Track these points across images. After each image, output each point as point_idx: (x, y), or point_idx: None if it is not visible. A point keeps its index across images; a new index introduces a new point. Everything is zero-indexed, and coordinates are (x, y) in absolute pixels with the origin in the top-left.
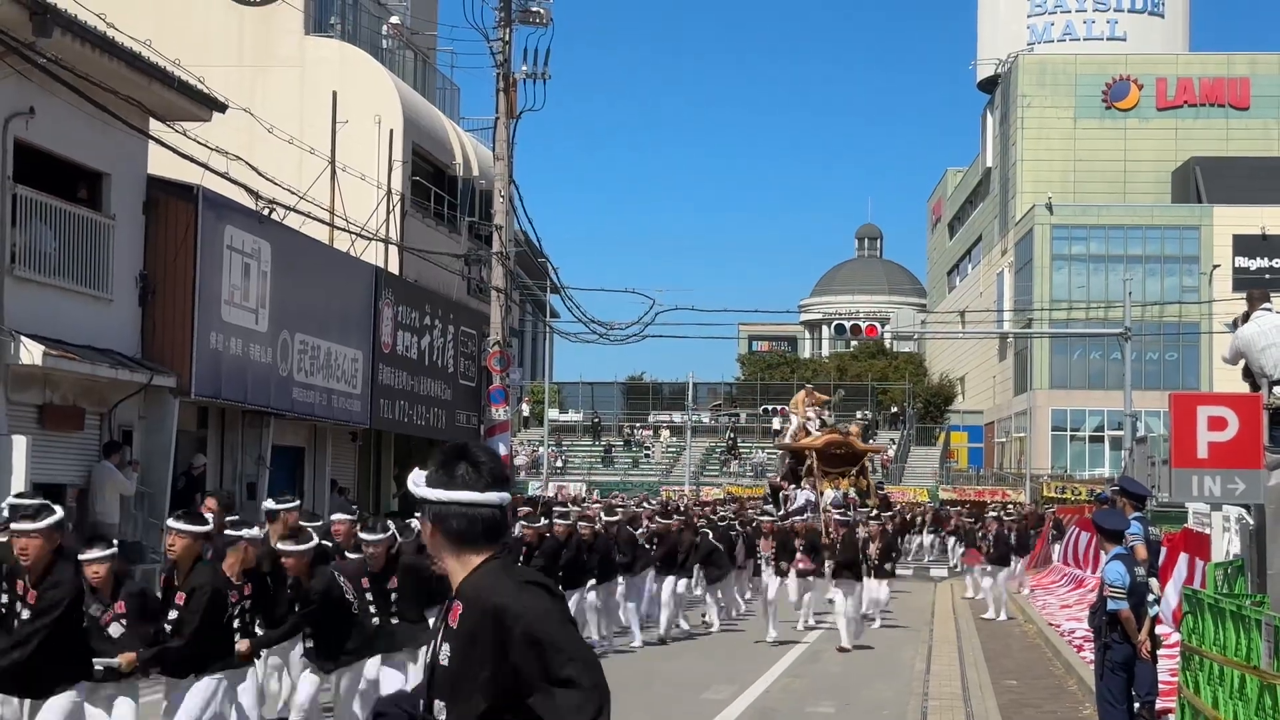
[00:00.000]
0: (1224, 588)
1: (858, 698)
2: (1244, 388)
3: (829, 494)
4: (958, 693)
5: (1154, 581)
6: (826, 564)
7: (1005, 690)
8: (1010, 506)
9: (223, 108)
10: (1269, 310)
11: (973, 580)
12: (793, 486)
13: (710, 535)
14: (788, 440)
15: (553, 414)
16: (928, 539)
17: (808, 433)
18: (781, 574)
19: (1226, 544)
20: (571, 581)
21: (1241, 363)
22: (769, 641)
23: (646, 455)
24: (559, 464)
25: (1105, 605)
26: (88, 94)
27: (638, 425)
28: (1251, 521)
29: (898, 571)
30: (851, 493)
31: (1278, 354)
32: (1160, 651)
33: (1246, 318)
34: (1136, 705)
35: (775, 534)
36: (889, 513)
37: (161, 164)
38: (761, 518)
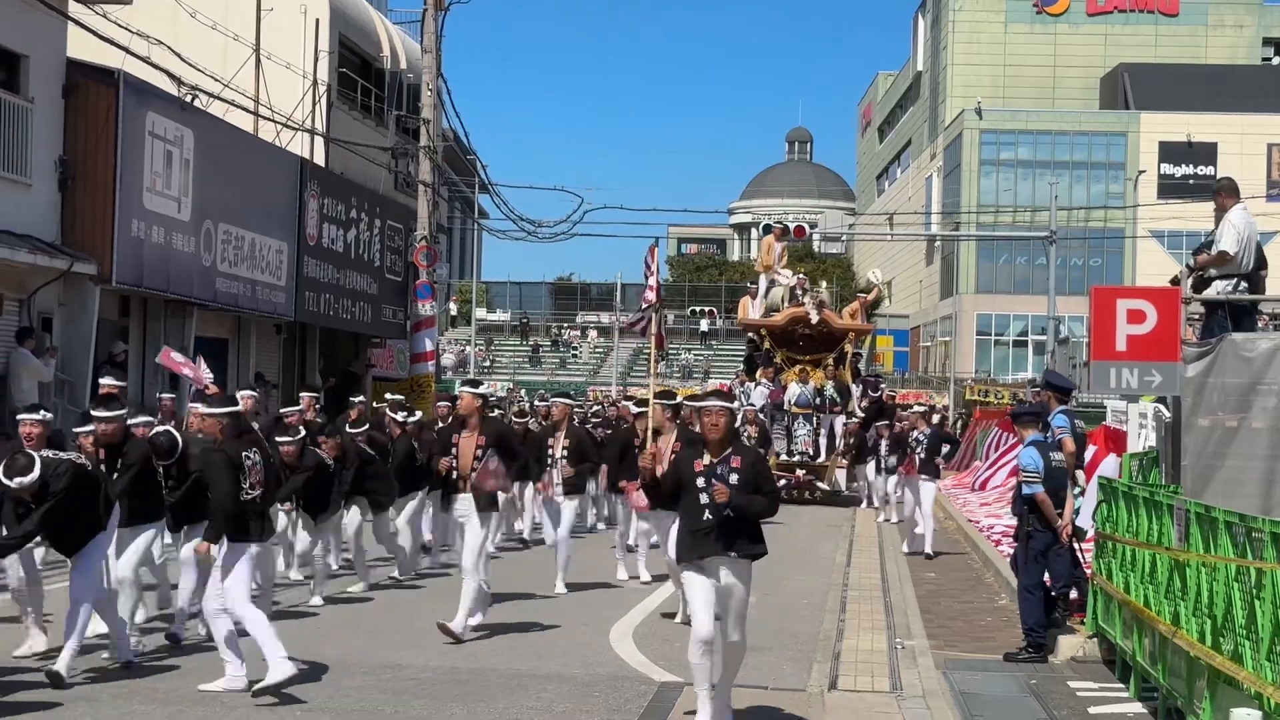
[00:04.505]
0: (1139, 478)
1: (778, 589)
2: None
3: (794, 389)
4: (877, 584)
5: (1080, 474)
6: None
7: (924, 582)
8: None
9: None
10: (1244, 207)
11: (908, 496)
12: (748, 382)
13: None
14: (753, 315)
15: (480, 313)
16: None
17: (795, 300)
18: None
19: (1142, 439)
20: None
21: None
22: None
23: (574, 355)
24: (486, 363)
25: (1022, 491)
26: None
27: (565, 325)
28: (1168, 414)
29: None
30: (828, 389)
31: (1254, 248)
32: (1083, 545)
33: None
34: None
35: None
36: (883, 420)
37: (82, 47)
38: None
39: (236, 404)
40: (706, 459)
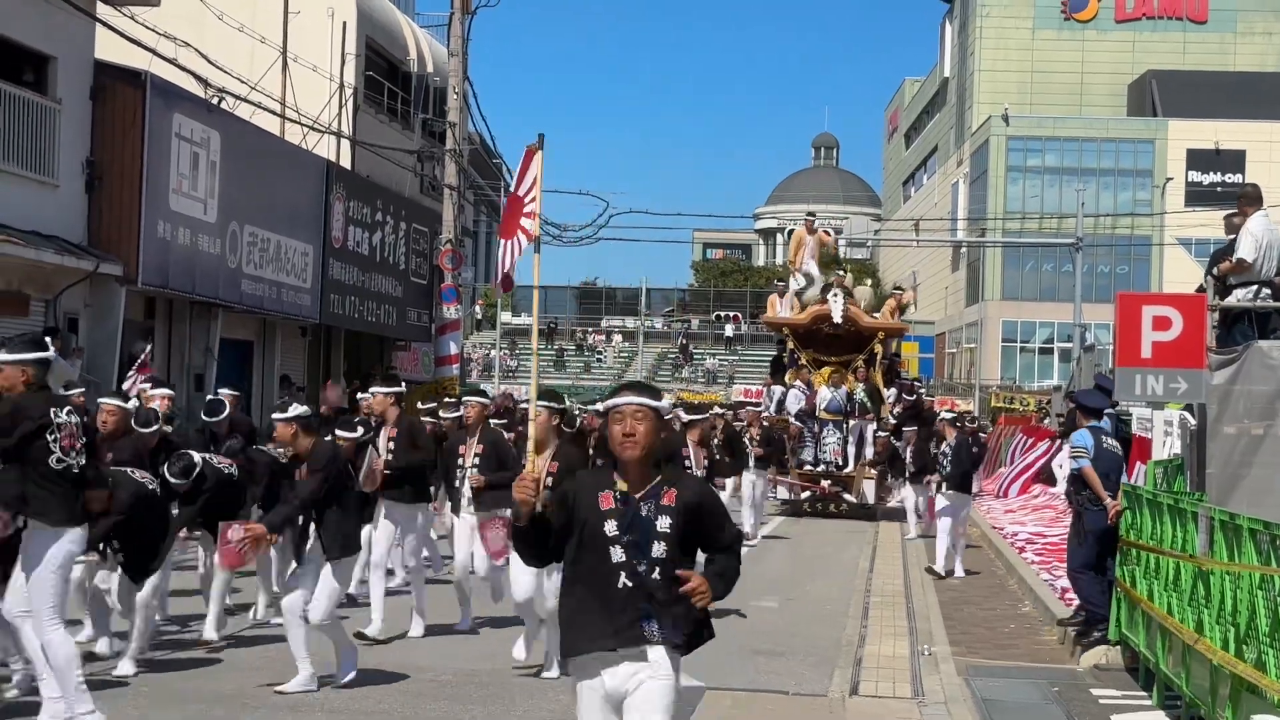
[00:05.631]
0: (1163, 485)
1: (801, 593)
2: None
3: (824, 394)
4: (900, 590)
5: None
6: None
7: (947, 588)
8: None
9: None
10: (1265, 214)
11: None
12: (774, 385)
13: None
14: (781, 313)
15: (505, 317)
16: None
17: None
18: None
19: (1167, 447)
20: None
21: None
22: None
23: (599, 359)
24: (512, 364)
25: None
26: None
27: (590, 330)
28: (1193, 421)
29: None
30: (859, 392)
31: (1276, 255)
32: None
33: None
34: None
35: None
36: (910, 426)
37: (109, 49)
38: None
39: (46, 349)
40: (620, 488)
